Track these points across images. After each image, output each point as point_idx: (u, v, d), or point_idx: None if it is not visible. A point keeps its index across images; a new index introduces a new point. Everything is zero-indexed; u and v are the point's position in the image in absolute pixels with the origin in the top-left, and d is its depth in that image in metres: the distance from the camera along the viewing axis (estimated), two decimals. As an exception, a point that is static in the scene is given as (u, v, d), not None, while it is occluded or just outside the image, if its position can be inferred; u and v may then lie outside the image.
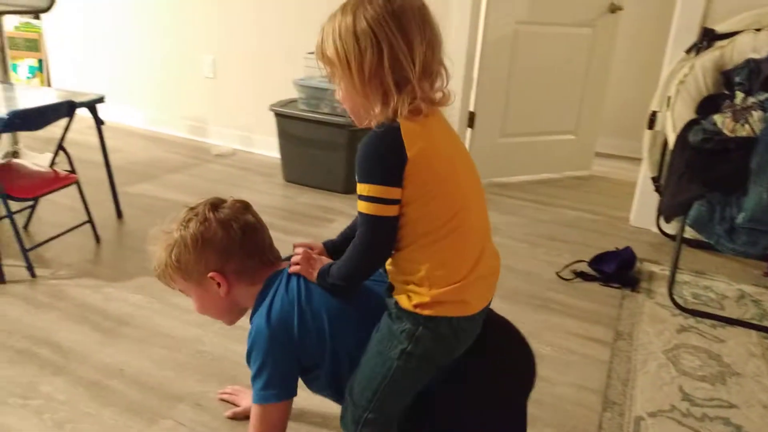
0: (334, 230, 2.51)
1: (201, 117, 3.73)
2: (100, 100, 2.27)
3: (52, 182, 2.09)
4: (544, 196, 3.11)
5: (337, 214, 2.71)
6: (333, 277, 1.08)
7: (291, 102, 3.07)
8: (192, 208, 1.19)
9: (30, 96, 2.35)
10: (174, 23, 3.63)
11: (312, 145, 2.95)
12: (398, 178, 0.94)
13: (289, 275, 1.14)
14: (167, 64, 3.73)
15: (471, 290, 1.01)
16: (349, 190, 2.97)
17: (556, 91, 3.23)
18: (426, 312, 0.99)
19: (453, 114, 3.00)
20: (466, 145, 3.14)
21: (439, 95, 0.99)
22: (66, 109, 2.07)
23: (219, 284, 1.17)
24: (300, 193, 2.96)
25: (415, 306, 0.99)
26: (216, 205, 1.18)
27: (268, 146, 3.49)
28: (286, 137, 3.02)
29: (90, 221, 2.26)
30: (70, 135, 2.20)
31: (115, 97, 2.83)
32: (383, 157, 0.95)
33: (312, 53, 2.98)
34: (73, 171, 2.18)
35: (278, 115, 2.99)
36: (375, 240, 0.99)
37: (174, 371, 1.57)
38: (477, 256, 1.02)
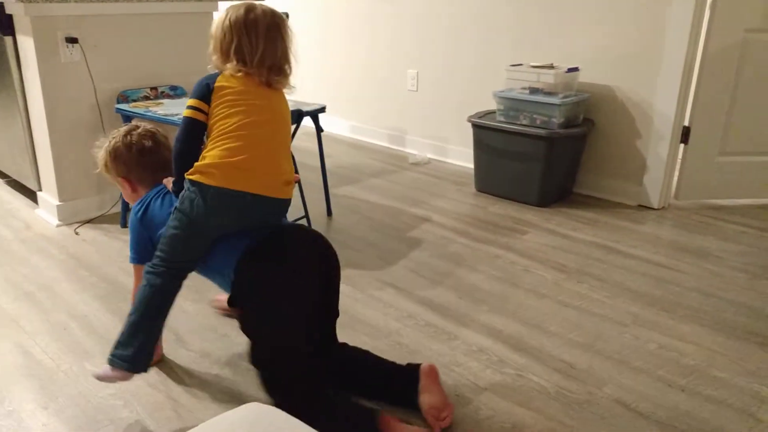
0: (526, 242, 2.51)
1: (400, 127, 3.96)
2: (323, 110, 2.54)
3: (279, 180, 2.38)
4: (769, 222, 2.76)
5: (530, 226, 2.69)
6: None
7: (488, 113, 3.13)
8: (119, 130, 1.65)
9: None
10: (383, 41, 3.91)
11: (508, 156, 2.97)
12: (206, 97, 1.44)
13: (164, 187, 1.57)
14: (375, 78, 4.03)
15: (222, 168, 1.36)
16: (544, 202, 2.94)
17: (790, 106, 2.85)
18: (189, 177, 1.39)
19: (662, 128, 2.82)
20: (677, 162, 2.92)
21: (274, 79, 1.48)
22: (295, 117, 2.35)
23: (126, 185, 1.63)
24: (492, 203, 2.99)
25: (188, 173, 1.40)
26: (129, 130, 1.63)
27: (461, 156, 3.59)
28: (481, 148, 3.08)
29: (306, 216, 2.54)
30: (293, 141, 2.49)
31: (335, 109, 3.16)
32: (201, 83, 1.46)
33: (514, 65, 3.05)
34: (296, 171, 2.47)
35: (476, 126, 3.06)
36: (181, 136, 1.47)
37: (374, 357, 1.70)
38: (244, 157, 1.38)
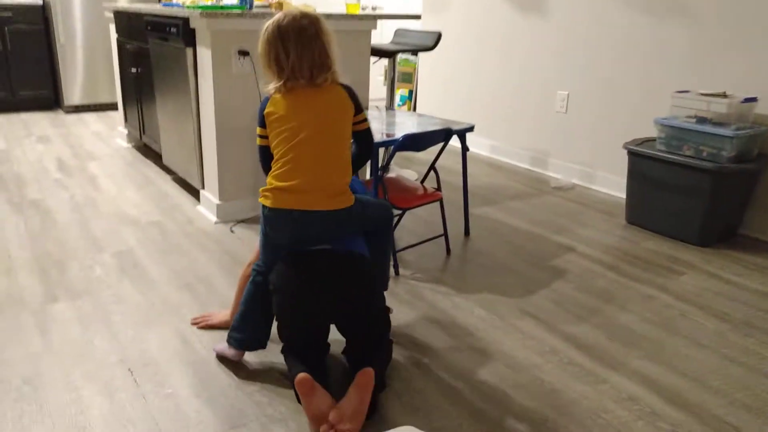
0: (683, 284, 2.30)
1: (544, 149, 3.83)
2: (471, 129, 2.52)
3: (423, 197, 2.38)
4: None
5: (688, 267, 2.46)
6: None
7: (646, 141, 2.92)
8: None
9: (411, 121, 2.74)
10: (532, 60, 3.81)
11: (667, 188, 2.74)
12: (263, 123, 1.61)
13: None
14: (521, 98, 3.94)
15: (275, 193, 1.55)
16: (705, 242, 2.68)
17: None
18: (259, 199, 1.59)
19: None
20: None
21: (318, 78, 1.56)
22: (444, 135, 2.35)
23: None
24: (645, 237, 2.78)
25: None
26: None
27: (609, 184, 3.39)
28: (637, 177, 2.87)
29: (445, 234, 2.52)
30: (430, 158, 2.48)
31: (477, 131, 3.11)
32: (259, 110, 1.62)
33: (680, 92, 2.82)
34: (439, 189, 2.46)
35: (633, 153, 2.87)
36: None
37: (512, 390, 1.63)
38: (293, 183, 1.53)
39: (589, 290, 2.23)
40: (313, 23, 1.57)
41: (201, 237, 2.59)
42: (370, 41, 3.03)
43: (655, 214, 2.82)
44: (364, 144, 1.73)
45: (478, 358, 1.78)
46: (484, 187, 3.49)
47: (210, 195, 2.85)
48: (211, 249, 2.47)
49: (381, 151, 2.25)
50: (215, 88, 2.61)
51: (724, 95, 2.73)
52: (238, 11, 2.59)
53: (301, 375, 1.43)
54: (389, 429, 1.37)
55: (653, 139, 2.86)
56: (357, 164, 1.74)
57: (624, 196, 2.96)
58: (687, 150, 2.69)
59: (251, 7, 2.83)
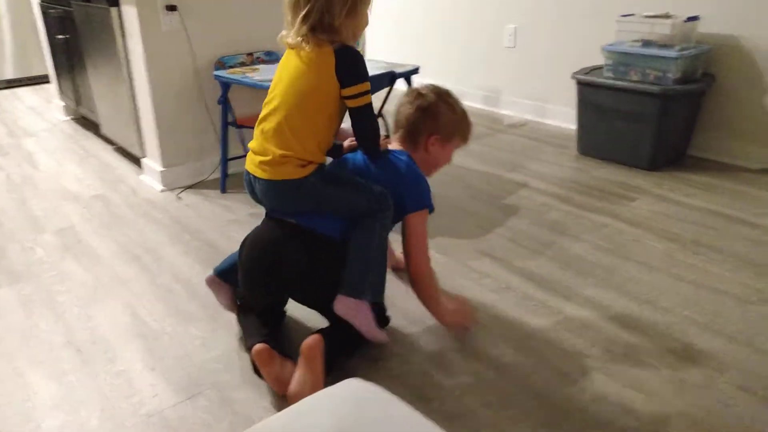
0: (635, 209, 2.32)
1: (496, 87, 3.78)
2: (416, 71, 2.45)
3: (371, 145, 2.33)
4: None
5: (639, 192, 2.49)
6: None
7: (595, 69, 2.90)
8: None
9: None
10: (478, -6, 3.72)
11: (616, 115, 2.74)
12: None
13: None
14: (471, 36, 3.85)
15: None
16: (655, 166, 2.71)
17: None
18: None
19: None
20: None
21: (309, 38, 1.40)
22: (388, 79, 2.27)
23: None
24: (596, 167, 2.79)
25: None
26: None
27: (561, 117, 3.38)
28: (586, 107, 2.86)
29: (398, 182, 2.48)
30: (377, 104, 2.41)
31: (421, 69, 3.02)
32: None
33: (625, 16, 2.78)
34: (387, 136, 2.40)
35: (581, 83, 2.85)
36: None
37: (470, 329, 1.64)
38: (254, 142, 1.49)
39: (544, 224, 2.24)
40: None
41: (147, 207, 2.50)
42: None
43: (605, 142, 2.83)
44: (354, 125, 1.48)
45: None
46: (438, 130, 3.44)
47: (152, 162, 2.74)
48: (157, 218, 2.39)
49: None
50: (145, 48, 2.47)
51: (667, 16, 2.70)
52: (160, -37, 2.43)
53: (258, 346, 1.38)
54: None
55: (601, 67, 2.84)
56: (360, 145, 1.54)
57: (576, 127, 2.95)
58: (634, 75, 2.68)
59: (174, -42, 2.65)
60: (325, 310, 1.52)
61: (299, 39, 1.39)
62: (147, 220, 2.37)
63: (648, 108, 2.61)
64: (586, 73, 2.85)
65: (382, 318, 1.59)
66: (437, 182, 2.66)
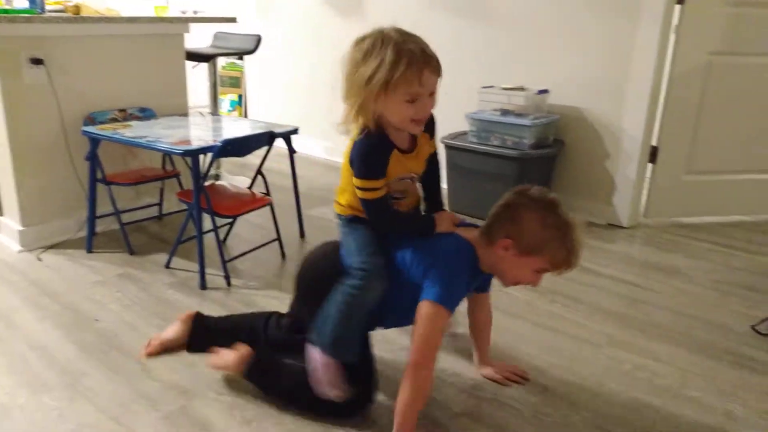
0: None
1: (374, 148, 3.95)
2: (295, 131, 2.52)
3: (250, 203, 2.35)
4: (738, 240, 2.81)
5: (503, 247, 2.69)
6: None
7: (461, 135, 3.14)
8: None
9: (235, 126, 2.68)
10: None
11: (480, 176, 2.98)
12: None
13: None
14: (347, 98, 4.02)
15: None
16: (516, 223, 2.95)
17: (753, 126, 2.93)
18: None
19: (631, 148, 2.86)
20: (645, 181, 2.96)
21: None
22: (267, 138, 2.32)
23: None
24: (466, 223, 2.99)
25: None
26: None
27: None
28: (454, 168, 3.08)
29: (278, 239, 2.50)
30: (256, 162, 2.45)
31: (300, 129, 3.11)
32: None
33: (486, 87, 3.07)
34: (267, 194, 2.43)
35: (448, 146, 3.07)
36: None
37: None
38: None
39: (417, 278, 2.35)
40: (356, 41, 1.39)
41: (1, 269, 2.30)
42: (182, 45, 2.90)
43: (472, 200, 3.04)
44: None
45: (312, 357, 1.79)
46: (321, 188, 3.52)
47: (10, 221, 2.54)
48: (12, 281, 2.20)
49: (202, 158, 2.16)
50: (4, 100, 2.34)
51: (521, 88, 3.02)
52: (26, 15, 2.34)
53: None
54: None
55: (467, 133, 3.09)
56: None
57: (446, 187, 3.16)
58: (494, 140, 2.94)
59: (43, 10, 2.57)
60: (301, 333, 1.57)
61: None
62: (0, 283, 2.18)
63: (508, 170, 2.87)
64: (454, 138, 3.09)
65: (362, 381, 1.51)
66: (315, 237, 2.71)
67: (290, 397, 1.55)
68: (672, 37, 2.77)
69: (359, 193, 1.41)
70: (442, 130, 3.34)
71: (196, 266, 2.23)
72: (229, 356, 1.62)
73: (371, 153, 1.38)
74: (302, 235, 2.74)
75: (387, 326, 1.65)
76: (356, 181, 1.39)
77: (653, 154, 2.93)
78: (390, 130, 1.39)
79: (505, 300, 2.17)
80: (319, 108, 4.22)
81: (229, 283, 2.24)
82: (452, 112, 3.39)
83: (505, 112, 2.98)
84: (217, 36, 3.69)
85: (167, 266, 2.36)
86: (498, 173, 2.91)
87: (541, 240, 1.37)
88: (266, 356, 1.63)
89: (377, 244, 1.46)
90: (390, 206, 1.46)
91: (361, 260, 1.43)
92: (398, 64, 1.27)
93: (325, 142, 4.23)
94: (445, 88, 3.43)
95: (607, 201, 3.01)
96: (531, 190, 1.44)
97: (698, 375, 1.75)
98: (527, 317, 2.07)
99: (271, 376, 1.60)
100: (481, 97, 3.08)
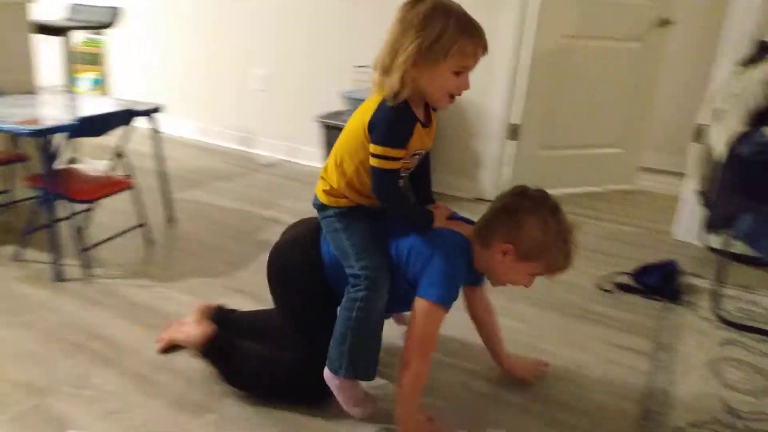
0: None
1: (250, 128, 3.86)
2: (157, 109, 2.39)
3: (109, 186, 2.20)
4: (587, 209, 3.08)
5: (378, 223, 2.75)
6: None
7: (337, 113, 3.15)
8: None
9: (92, 104, 2.49)
10: (229, 40, 3.78)
11: (355, 155, 3.01)
12: None
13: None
14: (223, 78, 3.89)
15: None
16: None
17: (602, 105, 3.21)
18: None
19: (494, 126, 3.03)
20: (511, 156, 3.14)
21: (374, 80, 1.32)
22: (126, 117, 2.19)
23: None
24: (343, 202, 3.01)
25: None
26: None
27: (313, 157, 3.58)
28: (330, 148, 3.08)
29: (143, 224, 2.38)
30: (129, 144, 2.31)
31: (171, 110, 2.96)
32: None
33: (360, 66, 3.09)
34: (128, 176, 2.30)
35: (325, 126, 3.07)
36: None
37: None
38: None
39: (292, 257, 2.34)
40: (408, 4, 1.26)
41: None
42: (26, 15, 2.63)
43: (349, 179, 3.07)
44: (372, 184, 1.35)
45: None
46: (192, 170, 3.38)
47: None
48: None
49: (58, 139, 1.99)
50: None
51: (393, 68, 3.08)
52: None
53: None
54: None
55: (344, 112, 3.10)
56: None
57: (323, 166, 3.16)
58: (368, 119, 2.98)
59: None
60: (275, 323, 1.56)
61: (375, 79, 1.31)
62: None
63: (382, 148, 2.92)
64: (329, 117, 3.09)
65: None
66: (186, 221, 2.61)
67: (248, 382, 1.51)
68: (533, 20, 2.94)
69: (375, 162, 1.29)
70: (316, 109, 3.35)
71: (50, 257, 2.07)
72: (192, 330, 1.59)
73: (401, 119, 1.28)
74: (171, 219, 2.62)
75: None
76: (376, 148, 1.29)
77: (514, 132, 3.12)
78: (412, 101, 1.30)
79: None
80: (194, 87, 4.03)
81: (88, 273, 2.09)
82: (325, 91, 3.39)
83: (378, 91, 3.01)
84: (74, 8, 3.40)
85: (17, 258, 2.16)
86: (372, 151, 2.95)
87: (541, 246, 1.33)
88: (229, 338, 1.57)
89: (376, 239, 1.38)
90: (399, 183, 1.37)
91: (364, 264, 1.34)
92: (462, 34, 1.23)
93: (199, 122, 4.06)
94: (322, 66, 3.45)
95: (474, 177, 3.16)
96: (531, 192, 1.38)
97: (552, 330, 1.91)
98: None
99: (230, 358, 1.53)
100: (356, 75, 3.10)
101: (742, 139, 2.14)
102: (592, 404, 1.55)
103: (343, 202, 1.39)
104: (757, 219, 1.90)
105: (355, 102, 3.00)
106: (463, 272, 1.37)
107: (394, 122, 1.27)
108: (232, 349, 1.54)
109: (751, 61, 2.31)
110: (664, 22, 3.14)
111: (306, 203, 2.96)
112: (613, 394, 1.60)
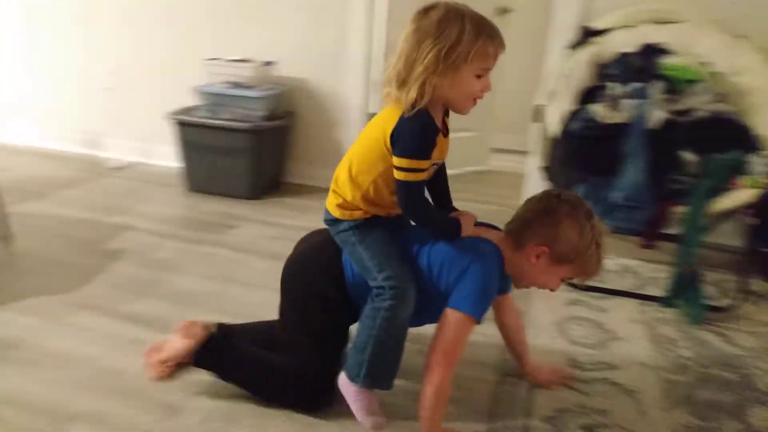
0: (236, 236, 2.49)
1: (98, 130, 3.58)
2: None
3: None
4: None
5: (242, 220, 2.68)
6: None
7: (192, 109, 3.01)
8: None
9: None
10: (66, 32, 3.47)
11: (215, 151, 2.90)
12: None
13: None
14: (60, 75, 3.56)
15: None
16: (255, 195, 2.96)
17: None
18: None
19: (353, 115, 3.07)
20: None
21: (386, 93, 1.31)
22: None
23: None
24: (203, 201, 2.90)
25: None
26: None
27: (169, 156, 3.40)
28: (187, 145, 2.95)
29: (-30, 243, 2.12)
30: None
31: (5, 115, 2.66)
32: None
33: (211, 59, 2.97)
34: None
35: (179, 123, 2.92)
36: None
37: (70, 391, 1.50)
38: None
39: (149, 264, 2.21)
40: (412, 20, 1.24)
41: None
42: None
43: (208, 177, 2.96)
44: (397, 197, 1.32)
45: (29, 370, 1.57)
46: (29, 180, 3.08)
47: None
48: None
49: None
50: None
51: (247, 60, 3.00)
52: None
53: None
54: None
55: (197, 107, 2.97)
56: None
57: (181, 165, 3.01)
58: (226, 113, 2.88)
59: None
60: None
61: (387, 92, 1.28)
62: None
63: (242, 143, 2.85)
64: (183, 113, 2.95)
65: None
66: (24, 238, 2.37)
67: (249, 383, 1.48)
68: (382, 9, 3.00)
69: (401, 175, 1.27)
70: (168, 105, 3.17)
71: None
72: (176, 343, 1.49)
73: (426, 130, 1.26)
74: (5, 237, 2.36)
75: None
76: (401, 161, 1.26)
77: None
78: (431, 110, 1.27)
79: (244, 272, 2.18)
80: (28, 87, 3.65)
81: None
82: (176, 86, 3.22)
83: (235, 85, 2.93)
84: None
85: None
86: (232, 147, 2.87)
87: (576, 250, 1.33)
88: (221, 341, 1.50)
89: (396, 249, 1.36)
90: (424, 194, 1.35)
91: (387, 275, 1.31)
92: (480, 36, 1.21)
93: (36, 126, 3.69)
94: (171, 60, 3.27)
95: (333, 166, 3.15)
96: (567, 195, 1.38)
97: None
98: (268, 285, 2.09)
99: (227, 362, 1.48)
100: (209, 69, 2.98)
101: (571, 116, 2.35)
102: (455, 375, 1.63)
103: (357, 214, 1.37)
104: (588, 188, 2.10)
105: (210, 96, 2.88)
106: (497, 284, 1.37)
107: (418, 134, 1.26)
108: (230, 349, 1.49)
109: (578, 44, 2.55)
110: (504, 11, 3.35)
111: (161, 206, 2.84)
112: (473, 363, 1.68)
